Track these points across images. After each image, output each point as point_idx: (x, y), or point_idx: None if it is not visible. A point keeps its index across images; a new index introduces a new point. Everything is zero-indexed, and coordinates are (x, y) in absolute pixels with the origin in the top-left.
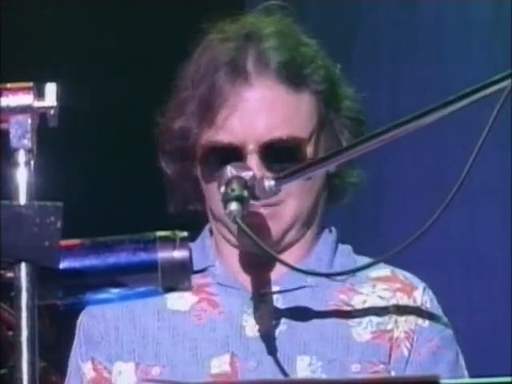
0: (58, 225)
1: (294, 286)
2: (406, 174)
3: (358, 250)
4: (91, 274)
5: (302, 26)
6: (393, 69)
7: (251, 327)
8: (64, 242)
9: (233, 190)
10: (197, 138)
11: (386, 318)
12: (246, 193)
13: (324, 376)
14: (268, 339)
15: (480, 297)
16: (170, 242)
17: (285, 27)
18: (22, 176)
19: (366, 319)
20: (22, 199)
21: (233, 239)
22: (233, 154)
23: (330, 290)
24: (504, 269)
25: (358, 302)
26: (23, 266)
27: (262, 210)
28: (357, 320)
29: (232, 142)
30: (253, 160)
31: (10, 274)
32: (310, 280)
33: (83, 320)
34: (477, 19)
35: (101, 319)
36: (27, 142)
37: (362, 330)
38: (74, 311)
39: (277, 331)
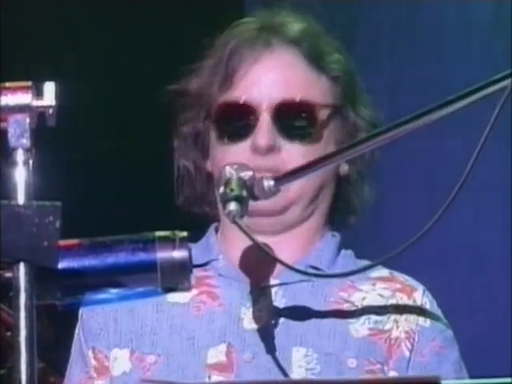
0: (57, 225)
1: (294, 279)
2: (407, 175)
3: (359, 252)
4: (90, 274)
5: None
6: (393, 68)
7: (249, 320)
8: (63, 242)
9: (232, 190)
10: (213, 100)
11: (385, 316)
12: (245, 193)
13: (318, 368)
14: (265, 332)
15: (480, 297)
16: (170, 242)
17: (310, 22)
18: (20, 175)
19: (364, 316)
20: (21, 199)
21: None
22: (246, 112)
23: (329, 286)
24: (505, 269)
25: (357, 299)
26: (22, 265)
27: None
28: (355, 316)
29: (246, 101)
30: (264, 120)
31: (8, 274)
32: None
33: (83, 313)
34: (477, 19)
35: (100, 311)
36: (26, 142)
37: (360, 326)
38: (73, 311)
39: (275, 324)
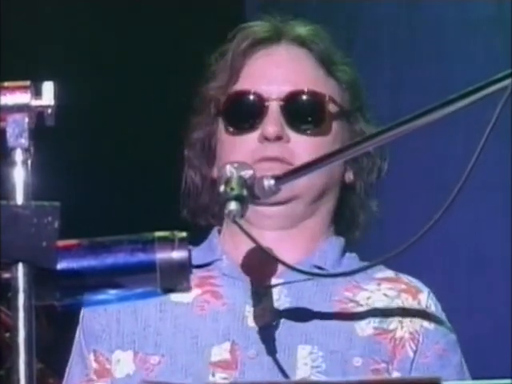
0: (56, 225)
1: (298, 278)
2: (407, 175)
3: (359, 252)
4: (89, 275)
5: None
6: (394, 68)
7: (253, 318)
8: (61, 243)
9: (232, 189)
10: (222, 95)
11: (390, 316)
12: (245, 192)
13: (324, 366)
14: (270, 330)
15: (481, 297)
16: (169, 243)
17: (321, 30)
18: (19, 175)
19: (369, 315)
20: (19, 199)
21: None
22: (255, 103)
23: (334, 286)
24: (505, 269)
25: (362, 298)
26: (20, 266)
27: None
28: (360, 315)
29: (255, 91)
30: (274, 110)
31: (6, 275)
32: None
33: (85, 314)
34: (478, 18)
35: (102, 312)
36: (24, 141)
37: (365, 324)
38: (72, 312)
39: (279, 322)
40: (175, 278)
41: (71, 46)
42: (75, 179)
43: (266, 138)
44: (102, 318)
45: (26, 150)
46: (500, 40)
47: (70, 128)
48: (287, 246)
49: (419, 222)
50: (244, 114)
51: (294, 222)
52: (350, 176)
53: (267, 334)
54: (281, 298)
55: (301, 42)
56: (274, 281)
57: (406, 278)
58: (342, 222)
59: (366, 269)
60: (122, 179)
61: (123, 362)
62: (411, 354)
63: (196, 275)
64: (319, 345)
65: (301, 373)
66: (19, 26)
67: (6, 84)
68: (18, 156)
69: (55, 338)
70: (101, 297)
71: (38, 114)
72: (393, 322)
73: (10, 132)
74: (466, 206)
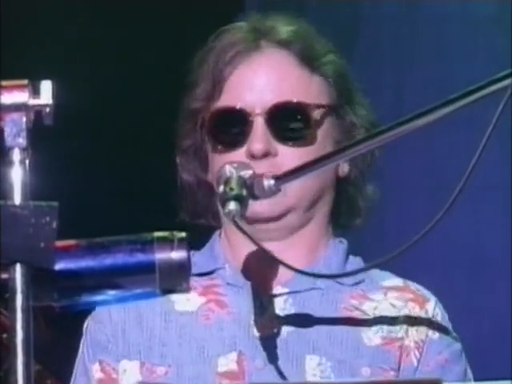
0: (54, 225)
1: (303, 287)
2: (407, 175)
3: (359, 252)
4: (87, 276)
5: None
6: (395, 67)
7: (259, 327)
8: (60, 243)
9: (231, 189)
10: (206, 110)
11: (397, 326)
12: (244, 192)
13: (333, 376)
14: (276, 339)
15: (481, 297)
16: (168, 243)
17: (302, 24)
18: (16, 175)
19: (376, 325)
20: (17, 199)
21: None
22: (240, 119)
23: (340, 294)
24: (505, 269)
25: (369, 308)
26: (18, 266)
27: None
28: (367, 325)
29: (240, 106)
30: (259, 125)
31: (4, 276)
32: (320, 283)
33: (89, 324)
34: (479, 18)
35: (107, 323)
36: (22, 141)
37: (373, 334)
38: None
39: (285, 332)
40: (174, 278)
41: (71, 46)
42: (74, 179)
43: (252, 156)
44: (107, 329)
45: (23, 150)
46: (501, 40)
47: (69, 128)
48: (288, 255)
49: (419, 222)
50: (230, 131)
51: (292, 232)
52: (344, 169)
53: (273, 344)
54: (286, 307)
55: (281, 43)
56: (279, 290)
57: (413, 286)
58: (342, 214)
59: (368, 268)
60: (121, 179)
61: (129, 372)
62: (415, 363)
63: (199, 283)
64: (327, 355)
65: None
66: (19, 26)
67: (3, 83)
68: (16, 156)
69: (53, 339)
70: (99, 298)
71: (36, 113)
72: (400, 332)
73: (8, 131)
74: (467, 206)
